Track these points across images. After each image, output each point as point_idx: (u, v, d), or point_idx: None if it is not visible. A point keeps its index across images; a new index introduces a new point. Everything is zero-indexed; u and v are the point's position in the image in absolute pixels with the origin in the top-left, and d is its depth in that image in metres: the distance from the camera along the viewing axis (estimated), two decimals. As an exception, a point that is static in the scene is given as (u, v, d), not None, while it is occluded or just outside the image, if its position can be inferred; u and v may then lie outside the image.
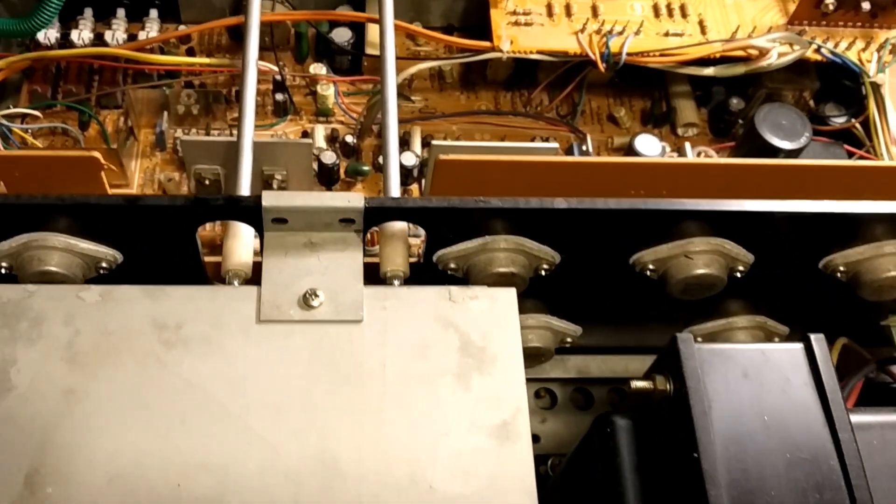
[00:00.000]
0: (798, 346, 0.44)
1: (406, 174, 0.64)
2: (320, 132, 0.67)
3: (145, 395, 0.40)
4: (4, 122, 0.62)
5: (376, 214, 0.45)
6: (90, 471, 0.38)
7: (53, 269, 0.45)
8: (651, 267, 0.48)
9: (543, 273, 0.49)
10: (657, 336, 0.47)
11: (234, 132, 0.65)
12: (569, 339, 0.56)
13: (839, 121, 0.68)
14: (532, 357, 0.55)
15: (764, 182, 0.51)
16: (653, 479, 0.42)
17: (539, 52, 0.64)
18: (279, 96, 0.67)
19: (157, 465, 0.39)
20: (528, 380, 0.43)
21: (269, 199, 0.44)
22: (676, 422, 0.42)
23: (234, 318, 0.43)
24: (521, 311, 0.44)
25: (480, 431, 0.41)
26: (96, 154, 0.46)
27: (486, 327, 0.43)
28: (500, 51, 0.63)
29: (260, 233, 0.45)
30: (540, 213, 0.45)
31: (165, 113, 0.66)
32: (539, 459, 0.54)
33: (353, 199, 0.44)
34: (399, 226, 0.48)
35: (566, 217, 0.46)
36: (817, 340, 0.44)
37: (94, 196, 0.43)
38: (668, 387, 0.43)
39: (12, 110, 0.61)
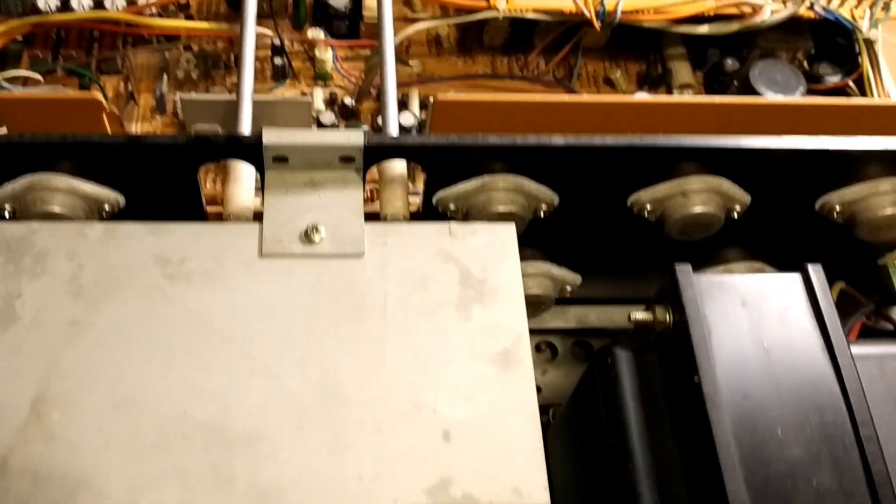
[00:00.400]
0: (795, 276, 0.44)
1: (404, 134, 0.65)
2: (319, 95, 0.68)
3: (149, 327, 0.41)
4: (6, 84, 0.62)
5: (376, 152, 0.45)
6: (95, 397, 0.39)
7: (57, 210, 0.45)
8: (649, 207, 0.49)
9: (542, 215, 0.49)
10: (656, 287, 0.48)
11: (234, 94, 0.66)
12: (568, 288, 0.56)
13: (833, 79, 0.69)
14: (532, 305, 0.55)
15: (759, 121, 0.52)
16: (655, 409, 0.43)
17: (535, 11, 0.64)
18: (277, 60, 0.68)
19: (162, 392, 0.39)
20: (529, 331, 0.43)
21: (270, 136, 0.44)
22: (677, 351, 0.42)
23: (237, 252, 0.43)
24: (521, 258, 0.45)
25: (482, 359, 0.41)
26: (98, 96, 0.47)
27: (486, 261, 0.44)
28: (496, 10, 0.64)
29: (261, 172, 0.46)
30: (538, 150, 0.46)
31: (165, 77, 0.67)
32: (541, 410, 0.55)
33: (353, 136, 0.45)
34: (398, 170, 0.49)
35: (564, 155, 0.46)
36: (814, 269, 0.44)
37: (97, 135, 0.44)
38: (667, 318, 0.44)
39: (13, 72, 0.62)
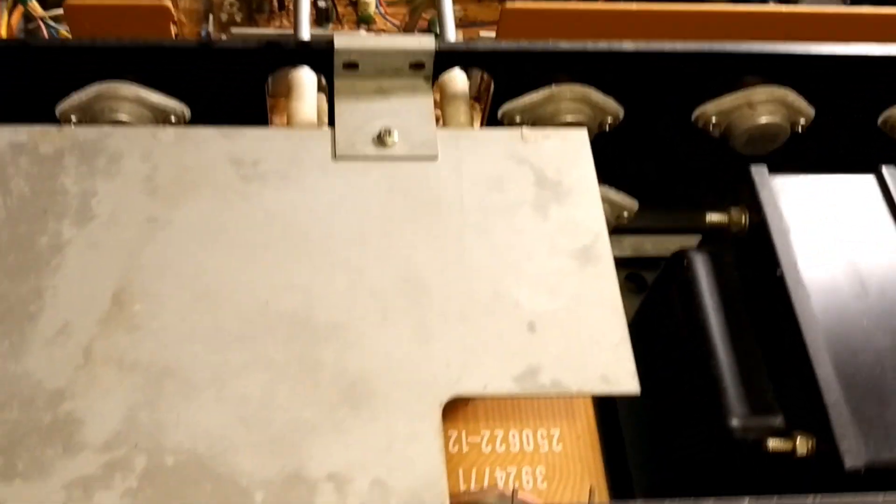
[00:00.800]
0: (870, 177, 0.44)
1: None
2: (363, 38, 0.68)
3: (226, 224, 0.40)
4: (52, 24, 0.62)
5: (447, 58, 0.45)
6: (177, 289, 0.38)
7: (124, 118, 0.45)
8: (714, 120, 0.49)
9: (608, 129, 0.49)
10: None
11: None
12: (625, 214, 0.56)
13: None
14: (590, 230, 0.55)
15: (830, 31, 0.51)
16: (733, 307, 0.42)
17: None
18: (322, 3, 0.68)
19: (243, 285, 0.39)
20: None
21: (342, 41, 0.44)
22: (755, 248, 0.42)
23: (310, 155, 0.43)
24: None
25: (562, 254, 0.41)
26: (167, 3, 0.46)
27: (560, 163, 0.44)
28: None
29: (329, 81, 0.45)
30: (607, 56, 0.46)
31: (210, 19, 0.67)
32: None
33: (425, 41, 0.45)
34: (461, 86, 0.48)
35: (632, 61, 0.46)
36: (889, 171, 0.44)
37: (168, 40, 0.43)
38: (743, 219, 0.43)
39: (59, 11, 0.61)
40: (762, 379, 0.40)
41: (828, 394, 0.37)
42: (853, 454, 0.35)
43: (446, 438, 0.39)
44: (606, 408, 0.48)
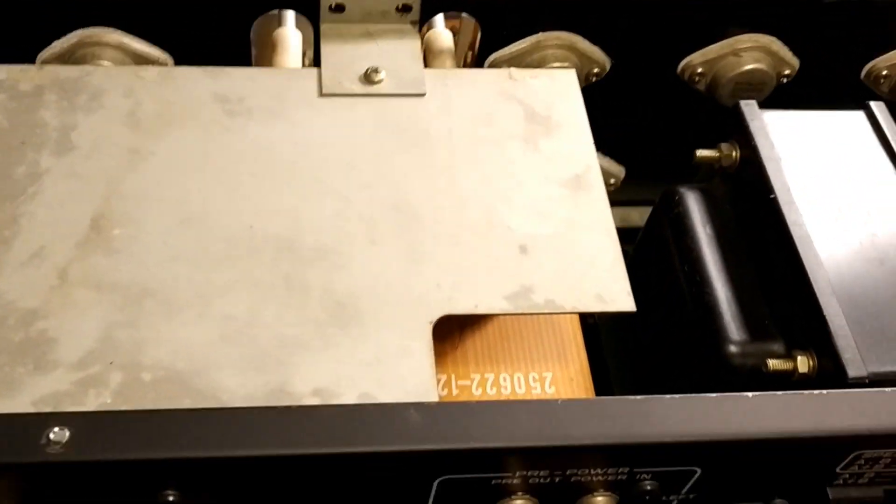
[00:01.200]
0: (859, 113, 0.44)
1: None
2: None
3: (211, 154, 0.40)
4: None
5: (434, 1, 0.45)
6: (159, 215, 0.37)
7: (106, 65, 0.44)
8: (700, 70, 0.49)
9: (594, 79, 0.49)
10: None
11: None
12: (612, 181, 0.55)
13: None
14: (579, 194, 0.55)
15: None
16: (726, 238, 0.42)
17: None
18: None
19: (229, 210, 0.38)
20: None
21: (327, -17, 0.44)
22: (746, 179, 0.42)
23: (296, 92, 0.42)
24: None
25: (553, 182, 0.40)
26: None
27: (549, 100, 0.43)
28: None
29: (316, 26, 0.45)
30: (593, 1, 0.46)
31: None
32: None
33: (411, -17, 0.44)
34: (446, 42, 0.48)
35: (618, 7, 0.46)
36: (878, 106, 0.44)
37: (151, -18, 0.43)
38: (734, 153, 0.43)
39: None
40: (759, 306, 0.39)
41: (827, 308, 0.36)
42: (856, 365, 0.34)
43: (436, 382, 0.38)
44: (598, 351, 0.47)
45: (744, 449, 0.30)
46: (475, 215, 0.39)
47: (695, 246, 0.41)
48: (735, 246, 0.41)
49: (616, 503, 0.32)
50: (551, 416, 0.29)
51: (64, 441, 0.27)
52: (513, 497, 0.31)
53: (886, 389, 0.31)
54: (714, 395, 0.31)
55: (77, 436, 0.28)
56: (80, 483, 0.28)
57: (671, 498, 0.33)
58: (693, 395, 0.30)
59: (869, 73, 0.50)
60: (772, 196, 0.39)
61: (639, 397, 0.30)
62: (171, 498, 0.29)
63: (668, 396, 0.30)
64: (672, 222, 0.43)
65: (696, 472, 0.31)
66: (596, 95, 0.48)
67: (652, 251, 0.45)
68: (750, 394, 0.31)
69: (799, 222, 0.38)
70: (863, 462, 0.32)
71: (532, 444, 0.29)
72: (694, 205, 0.43)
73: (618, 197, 0.57)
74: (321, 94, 0.42)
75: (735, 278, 0.40)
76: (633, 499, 0.32)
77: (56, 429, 0.28)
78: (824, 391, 0.31)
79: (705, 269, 0.41)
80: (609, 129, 0.52)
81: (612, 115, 0.51)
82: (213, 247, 0.37)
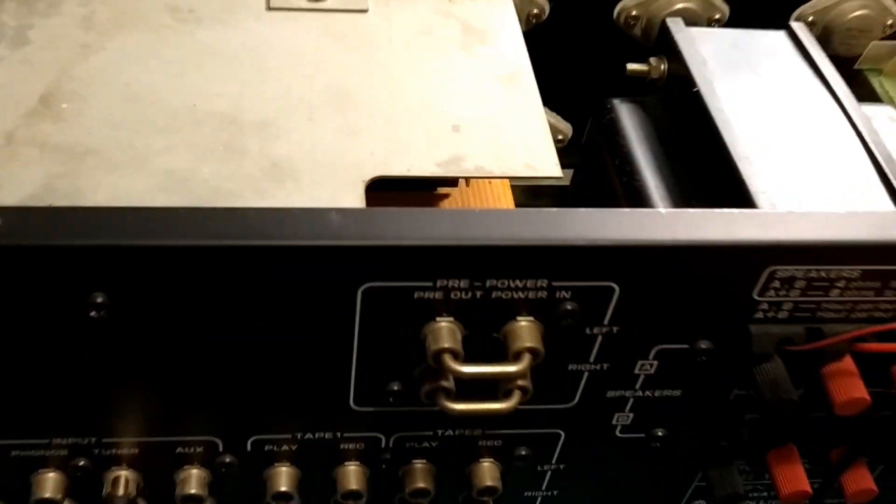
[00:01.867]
0: (781, 33, 0.46)
1: None
2: None
3: (161, 50, 0.42)
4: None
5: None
6: (107, 94, 0.39)
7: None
8: (634, 13, 0.51)
9: (534, 21, 0.51)
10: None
11: None
12: (560, 137, 0.57)
13: None
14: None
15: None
16: (661, 145, 0.43)
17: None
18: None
19: (174, 92, 0.39)
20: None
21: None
22: (674, 86, 0.44)
23: (245, 5, 0.44)
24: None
25: (488, 78, 0.42)
26: None
27: (485, 17, 0.46)
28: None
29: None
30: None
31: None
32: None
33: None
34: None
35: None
36: (799, 27, 0.46)
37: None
38: (662, 66, 0.45)
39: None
40: (686, 189, 0.41)
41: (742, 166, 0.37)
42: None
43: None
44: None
45: (657, 260, 0.31)
46: (411, 100, 0.40)
47: (624, 143, 0.43)
48: (664, 144, 0.43)
49: (540, 332, 0.32)
50: (470, 220, 0.30)
51: (-5, 227, 0.28)
52: (438, 319, 0.32)
53: (795, 211, 0.33)
54: (628, 209, 0.32)
55: (9, 222, 0.28)
56: (12, 279, 0.29)
57: (594, 331, 0.33)
58: (608, 209, 0.32)
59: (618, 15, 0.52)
60: (694, 90, 0.41)
61: (555, 209, 0.31)
62: (99, 300, 0.30)
63: (584, 209, 0.31)
64: (604, 128, 0.45)
65: (614, 289, 0.32)
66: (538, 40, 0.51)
67: (588, 159, 0.47)
68: (663, 210, 0.32)
69: (720, 107, 0.40)
70: (778, 285, 0.32)
71: (448, 242, 0.30)
72: (625, 112, 0.45)
73: (570, 161, 0.59)
74: (269, 8, 0.44)
75: (663, 169, 0.42)
76: (556, 321, 0.32)
77: (-15, 217, 0.28)
78: (735, 210, 0.32)
79: (634, 161, 0.42)
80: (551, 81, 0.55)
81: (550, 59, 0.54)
82: (156, 118, 0.38)
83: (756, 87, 0.42)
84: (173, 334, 0.32)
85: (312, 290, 0.31)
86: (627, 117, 0.44)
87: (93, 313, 0.30)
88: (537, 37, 0.51)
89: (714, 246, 0.31)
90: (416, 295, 0.31)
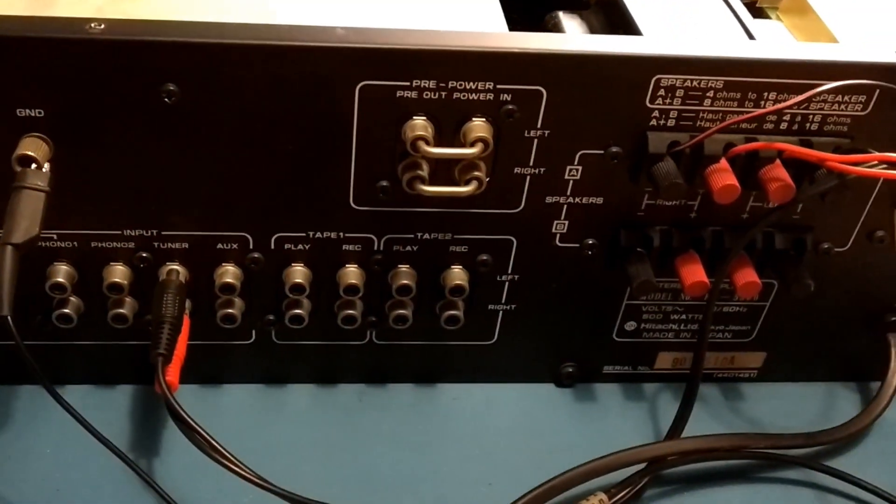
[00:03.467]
0: (688, -36, 0.59)
1: None
2: None
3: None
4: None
5: None
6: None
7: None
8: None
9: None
10: None
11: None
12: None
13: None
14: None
15: None
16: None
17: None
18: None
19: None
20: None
21: None
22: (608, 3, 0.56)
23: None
24: None
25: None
26: None
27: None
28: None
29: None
30: None
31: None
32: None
33: None
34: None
35: None
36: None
37: None
38: (596, -15, 0.58)
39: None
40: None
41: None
42: (669, 64, 0.48)
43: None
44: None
45: (571, 66, 0.43)
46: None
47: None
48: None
49: (490, 130, 0.44)
50: (439, 34, 0.43)
51: (101, 27, 0.40)
52: (414, 117, 0.44)
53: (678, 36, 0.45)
54: (550, 34, 0.44)
55: (109, 25, 0.40)
56: (109, 69, 0.41)
57: (531, 134, 0.45)
58: (536, 33, 0.44)
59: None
60: (616, -7, 0.54)
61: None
62: (171, 87, 0.41)
63: (520, 32, 0.44)
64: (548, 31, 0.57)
65: (542, 93, 0.43)
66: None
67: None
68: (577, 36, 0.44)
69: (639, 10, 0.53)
70: (663, 94, 0.44)
71: (420, 47, 0.42)
72: (566, 19, 0.57)
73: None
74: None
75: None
76: (501, 121, 0.44)
77: (94, 24, 0.41)
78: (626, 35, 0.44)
79: (572, 48, 0.54)
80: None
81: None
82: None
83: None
84: (220, 126, 0.43)
85: (323, 85, 0.42)
86: (567, 22, 0.56)
87: (165, 98, 0.42)
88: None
89: (612, 56, 0.43)
90: (398, 94, 0.43)
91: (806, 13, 0.56)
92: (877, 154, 0.44)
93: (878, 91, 0.45)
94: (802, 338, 0.58)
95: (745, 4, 0.61)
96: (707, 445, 0.52)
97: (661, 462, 0.52)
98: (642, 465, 0.51)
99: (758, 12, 0.65)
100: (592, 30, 0.56)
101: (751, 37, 0.51)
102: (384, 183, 0.46)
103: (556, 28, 0.57)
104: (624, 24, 0.52)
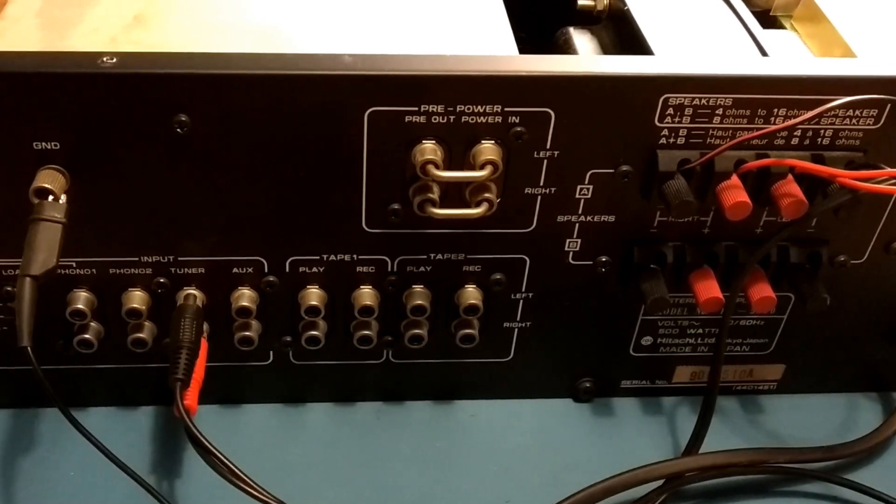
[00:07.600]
0: (700, -24, 0.59)
1: None
2: None
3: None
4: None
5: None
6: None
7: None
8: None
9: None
10: None
11: None
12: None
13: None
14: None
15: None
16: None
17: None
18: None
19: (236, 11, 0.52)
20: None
21: None
22: (614, 18, 0.56)
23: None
24: None
25: None
26: None
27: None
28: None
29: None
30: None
31: None
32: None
33: None
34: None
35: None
36: (713, -29, 0.59)
37: None
38: (605, 1, 0.58)
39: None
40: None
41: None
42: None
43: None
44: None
45: (579, 88, 0.43)
46: None
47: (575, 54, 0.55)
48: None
49: (499, 152, 0.44)
50: (445, 59, 0.43)
51: (113, 62, 0.41)
52: (423, 141, 0.44)
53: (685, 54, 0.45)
54: (559, 55, 0.44)
55: (121, 59, 0.41)
56: (122, 101, 0.41)
57: (541, 155, 0.45)
58: (545, 55, 0.44)
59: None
60: (625, 7, 0.54)
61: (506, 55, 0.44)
62: (182, 118, 0.42)
63: (527, 55, 0.44)
64: (559, 49, 0.57)
65: (551, 114, 0.44)
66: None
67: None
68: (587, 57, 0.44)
69: (644, 17, 0.52)
70: (672, 112, 0.44)
71: (428, 73, 0.42)
72: (576, 35, 0.57)
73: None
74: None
75: (604, 68, 0.54)
76: (511, 143, 0.44)
77: (106, 58, 0.41)
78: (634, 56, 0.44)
79: (583, 64, 0.54)
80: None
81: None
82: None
83: (674, 8, 0.54)
84: (232, 153, 0.44)
85: (333, 112, 0.43)
86: (578, 39, 0.56)
87: (177, 129, 0.42)
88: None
89: (619, 76, 0.43)
90: (406, 119, 0.43)
91: (820, 21, 0.55)
92: (888, 170, 0.43)
93: (889, 105, 0.44)
94: (821, 349, 0.57)
95: (760, 13, 0.61)
96: (725, 461, 0.52)
97: (679, 478, 0.51)
98: (660, 482, 0.51)
99: (772, 21, 0.65)
100: (603, 46, 0.56)
101: (763, 52, 0.51)
102: (395, 206, 0.47)
103: (567, 44, 0.57)
104: (634, 40, 0.52)
